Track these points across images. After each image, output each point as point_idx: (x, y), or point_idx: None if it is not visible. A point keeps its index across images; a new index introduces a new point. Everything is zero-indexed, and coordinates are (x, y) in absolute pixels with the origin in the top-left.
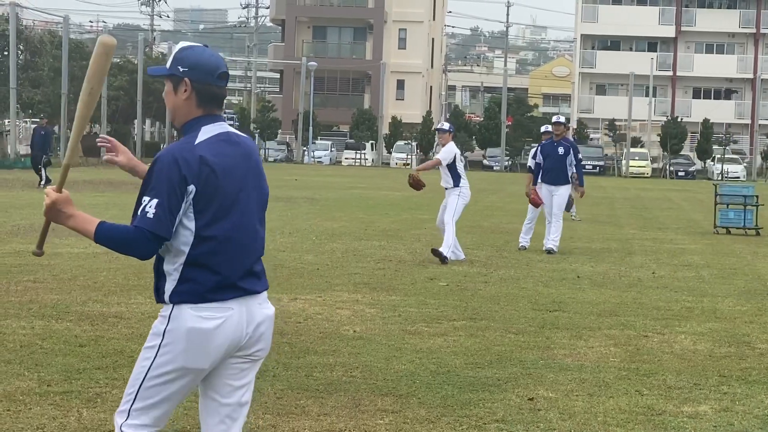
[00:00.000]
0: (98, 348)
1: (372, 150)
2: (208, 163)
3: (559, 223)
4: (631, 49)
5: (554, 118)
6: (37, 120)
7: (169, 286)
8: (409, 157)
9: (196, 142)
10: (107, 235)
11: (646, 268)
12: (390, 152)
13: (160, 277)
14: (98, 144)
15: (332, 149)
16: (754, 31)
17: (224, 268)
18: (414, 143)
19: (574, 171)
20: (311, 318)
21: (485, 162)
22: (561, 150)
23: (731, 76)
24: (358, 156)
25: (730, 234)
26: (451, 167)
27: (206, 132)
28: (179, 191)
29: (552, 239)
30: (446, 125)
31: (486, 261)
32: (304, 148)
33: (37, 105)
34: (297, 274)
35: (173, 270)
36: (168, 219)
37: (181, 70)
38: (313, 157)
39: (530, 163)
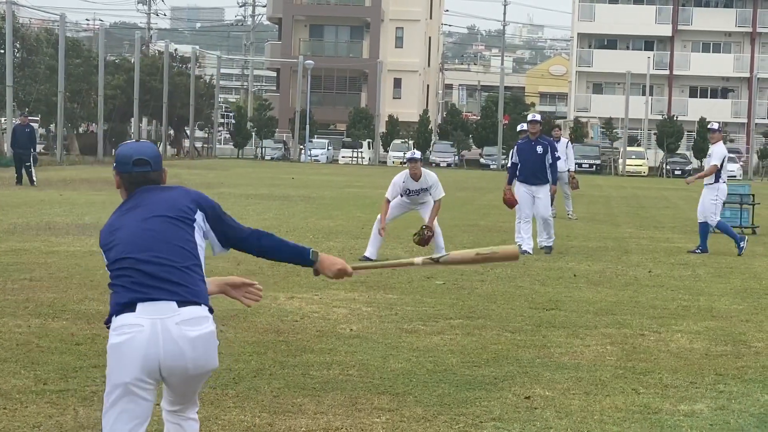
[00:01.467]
0: (94, 346)
1: (369, 149)
2: (110, 226)
3: (550, 221)
4: (627, 48)
5: (530, 116)
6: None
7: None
8: (406, 156)
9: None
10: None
11: (642, 267)
12: (387, 151)
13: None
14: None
15: (329, 148)
16: (750, 30)
17: (128, 284)
18: (411, 142)
19: (570, 168)
20: (308, 316)
21: (482, 161)
22: (539, 149)
23: (728, 75)
24: (354, 155)
25: None
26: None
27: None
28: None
29: (546, 238)
30: (417, 154)
31: None
32: (301, 147)
33: (33, 103)
34: (294, 273)
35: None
36: None
37: (114, 166)
38: (310, 156)
39: (509, 162)
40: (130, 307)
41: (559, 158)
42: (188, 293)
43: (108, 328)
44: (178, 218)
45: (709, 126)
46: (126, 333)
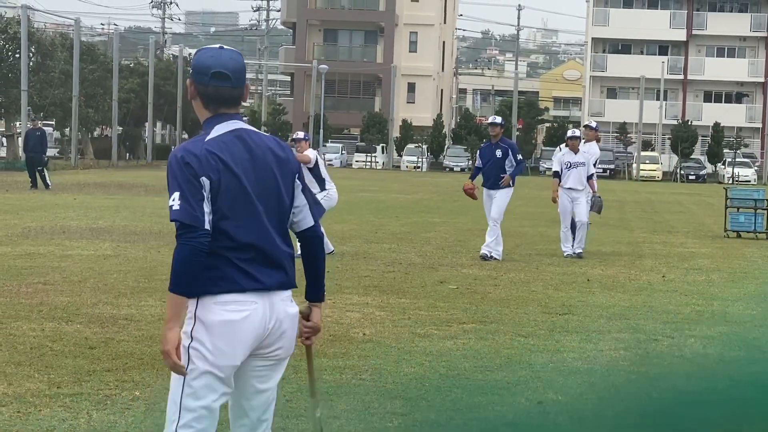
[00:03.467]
0: (108, 350)
1: (383, 153)
2: (217, 157)
3: (496, 227)
4: (641, 53)
5: (491, 119)
6: (42, 121)
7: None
8: (420, 160)
9: (206, 138)
10: (174, 269)
11: (656, 272)
12: (400, 155)
13: None
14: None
15: (343, 152)
16: (765, 34)
17: (241, 260)
18: (425, 146)
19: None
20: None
21: None
22: (499, 152)
23: (742, 80)
24: (368, 159)
25: (740, 238)
26: (314, 171)
27: (218, 130)
28: (195, 182)
29: (489, 243)
30: (300, 134)
31: (496, 264)
32: (315, 150)
33: (48, 107)
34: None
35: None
36: (190, 206)
37: (190, 72)
38: (324, 160)
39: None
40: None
41: (521, 161)
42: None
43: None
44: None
45: (587, 123)
46: (241, 311)
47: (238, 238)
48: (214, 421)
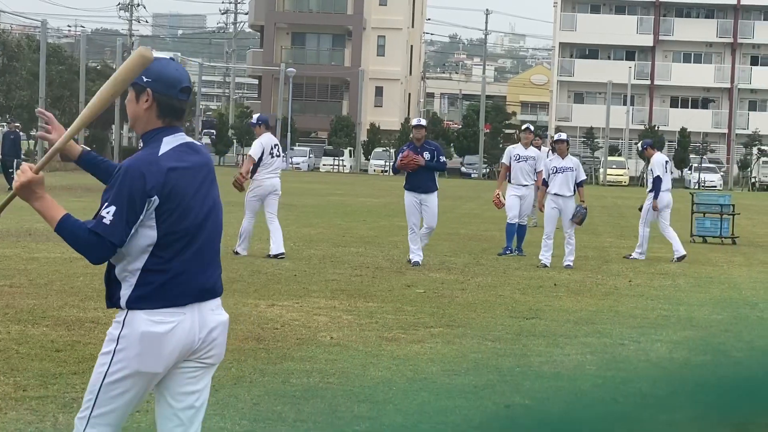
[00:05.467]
0: (75, 353)
1: (350, 157)
2: (173, 173)
3: (431, 233)
4: (609, 58)
5: (414, 121)
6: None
7: (125, 291)
8: (387, 163)
9: (160, 153)
10: (69, 229)
11: (622, 277)
12: (368, 159)
13: (112, 283)
14: (36, 114)
15: (310, 156)
16: (731, 40)
17: (182, 274)
18: (392, 150)
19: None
20: (288, 324)
21: (463, 169)
22: (427, 155)
23: (708, 86)
24: (336, 162)
25: (706, 243)
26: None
27: (168, 143)
28: (139, 203)
29: (419, 248)
30: (254, 117)
31: (463, 268)
32: (283, 154)
33: (14, 109)
34: (274, 281)
35: (130, 276)
36: (122, 228)
37: (145, 80)
38: (291, 164)
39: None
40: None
41: (445, 163)
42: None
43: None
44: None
45: (642, 143)
46: (167, 323)
47: (178, 251)
48: (123, 419)
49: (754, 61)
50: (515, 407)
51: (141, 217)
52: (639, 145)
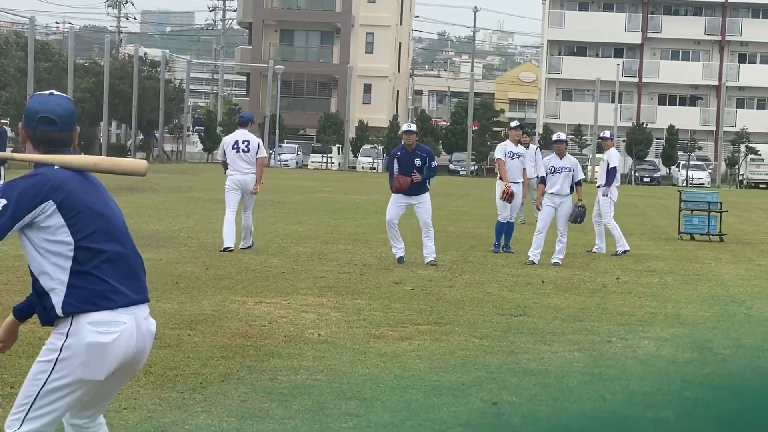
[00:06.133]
0: None
1: (338, 154)
2: (70, 181)
3: (431, 232)
4: (597, 55)
5: (405, 126)
6: None
7: (57, 300)
8: (376, 161)
9: (55, 167)
10: None
11: (610, 274)
12: (356, 156)
13: (43, 296)
14: None
15: (299, 153)
16: (719, 38)
17: (108, 275)
18: (380, 147)
19: (540, 174)
20: (276, 321)
21: (451, 167)
22: (418, 161)
23: (696, 83)
24: (324, 160)
25: (694, 240)
26: None
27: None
28: (29, 205)
29: (429, 252)
30: (246, 114)
31: (451, 265)
32: (271, 152)
33: (2, 106)
34: (262, 278)
35: (58, 284)
36: (6, 221)
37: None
38: (280, 161)
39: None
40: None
41: (436, 167)
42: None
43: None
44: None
45: (602, 135)
46: (112, 332)
47: (99, 253)
48: (56, 424)
49: (742, 59)
50: (503, 404)
51: (28, 218)
52: (599, 136)
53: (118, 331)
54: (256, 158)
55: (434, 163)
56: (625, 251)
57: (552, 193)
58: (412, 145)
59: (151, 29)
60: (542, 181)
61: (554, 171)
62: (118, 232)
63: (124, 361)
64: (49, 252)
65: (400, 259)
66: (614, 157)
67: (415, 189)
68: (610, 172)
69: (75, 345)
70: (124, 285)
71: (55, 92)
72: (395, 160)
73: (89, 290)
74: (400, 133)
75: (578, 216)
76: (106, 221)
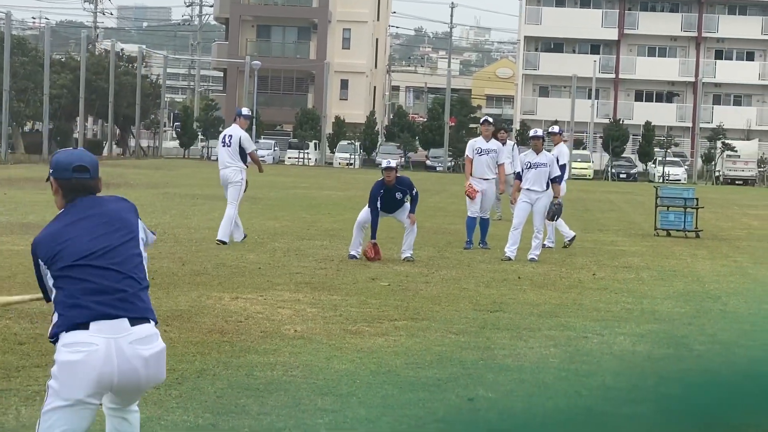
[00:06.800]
0: (37, 346)
1: (315, 150)
2: (56, 237)
3: (415, 228)
4: (574, 52)
5: (384, 164)
6: None
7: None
8: (353, 156)
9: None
10: None
11: (586, 270)
12: (333, 152)
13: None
14: None
15: (275, 148)
16: (695, 34)
17: (80, 300)
18: (357, 143)
19: (517, 170)
20: (252, 317)
21: (428, 163)
22: (399, 195)
23: (673, 80)
24: (301, 155)
25: (670, 236)
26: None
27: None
28: (37, 268)
29: (408, 247)
30: (237, 109)
31: (428, 261)
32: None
33: None
34: (239, 273)
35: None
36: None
37: (49, 171)
38: None
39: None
40: (83, 325)
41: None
42: (140, 310)
43: (54, 342)
44: (127, 231)
45: (550, 129)
46: (81, 351)
47: (70, 285)
48: None
49: (719, 55)
50: (479, 400)
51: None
52: (548, 130)
53: (86, 351)
54: (249, 153)
55: (415, 191)
56: (572, 239)
57: (527, 189)
58: (392, 181)
59: (128, 24)
60: (518, 176)
61: (530, 167)
62: (95, 255)
63: (107, 384)
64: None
65: (351, 257)
66: (564, 153)
67: (396, 207)
68: (563, 168)
69: (56, 365)
70: (98, 310)
71: (79, 148)
72: (378, 198)
73: (65, 314)
74: (381, 168)
75: (555, 213)
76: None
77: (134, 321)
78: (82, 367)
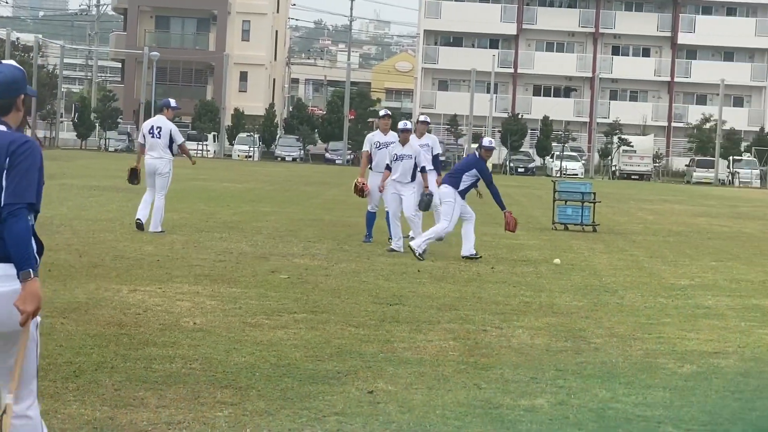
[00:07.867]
0: None
1: (214, 141)
2: None
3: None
4: (473, 46)
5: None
6: None
7: None
8: (252, 149)
9: None
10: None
11: (485, 263)
12: (232, 144)
13: None
14: None
15: None
16: (593, 30)
17: None
18: (256, 136)
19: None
20: (151, 309)
21: (327, 155)
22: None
23: (571, 75)
24: (200, 147)
25: (567, 230)
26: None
27: None
28: None
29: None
30: (163, 100)
31: (327, 254)
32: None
33: None
34: (137, 265)
35: None
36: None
37: None
38: None
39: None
40: None
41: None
42: None
43: None
44: None
45: (420, 119)
46: None
47: None
48: None
49: (615, 51)
50: (378, 393)
51: None
52: (418, 119)
53: None
54: (179, 145)
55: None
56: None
57: (394, 180)
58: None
59: (24, 13)
60: (387, 167)
61: (396, 158)
62: None
63: None
64: None
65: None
66: (437, 144)
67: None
68: (435, 159)
69: None
70: None
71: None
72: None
73: None
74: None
75: (426, 204)
76: None
77: None
78: None
